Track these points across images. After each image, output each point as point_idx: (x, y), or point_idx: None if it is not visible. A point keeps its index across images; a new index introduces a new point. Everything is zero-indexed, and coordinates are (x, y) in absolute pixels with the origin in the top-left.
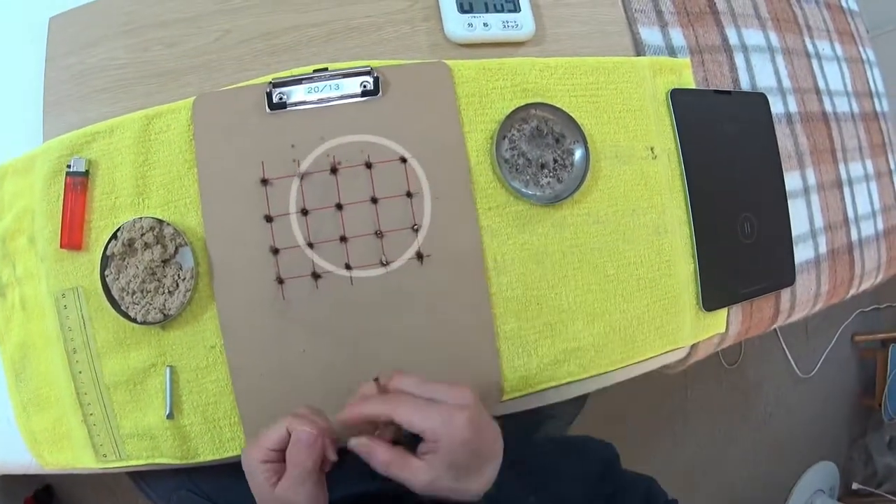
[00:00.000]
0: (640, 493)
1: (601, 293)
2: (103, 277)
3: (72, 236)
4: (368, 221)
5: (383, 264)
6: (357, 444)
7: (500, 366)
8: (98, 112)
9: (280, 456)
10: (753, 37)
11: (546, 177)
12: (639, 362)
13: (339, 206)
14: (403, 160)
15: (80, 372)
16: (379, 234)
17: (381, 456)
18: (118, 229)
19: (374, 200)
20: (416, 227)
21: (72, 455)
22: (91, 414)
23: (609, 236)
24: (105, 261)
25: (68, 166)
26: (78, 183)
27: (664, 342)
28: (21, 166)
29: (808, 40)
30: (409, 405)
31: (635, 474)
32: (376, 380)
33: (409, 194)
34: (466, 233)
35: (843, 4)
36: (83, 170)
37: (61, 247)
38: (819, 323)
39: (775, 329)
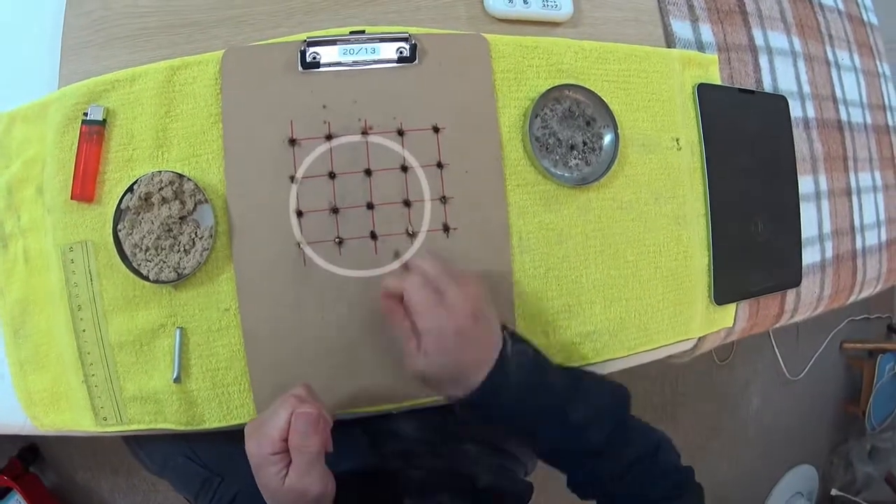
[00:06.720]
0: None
1: (620, 278)
2: (115, 232)
3: (84, 188)
4: (397, 190)
5: (409, 234)
6: (385, 304)
7: None
8: (118, 60)
9: (285, 445)
10: (778, 40)
11: (575, 158)
12: (650, 350)
13: (368, 172)
14: (436, 130)
15: (84, 330)
16: (407, 204)
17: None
18: (135, 182)
19: (405, 169)
20: (444, 198)
21: (70, 417)
22: (93, 375)
23: (631, 223)
24: (118, 215)
25: (84, 114)
26: (94, 132)
27: (676, 332)
28: (33, 113)
29: (828, 49)
30: (418, 291)
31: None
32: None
33: (439, 165)
34: (494, 208)
35: (864, 18)
36: (100, 118)
37: (72, 198)
38: (810, 328)
39: (768, 330)
